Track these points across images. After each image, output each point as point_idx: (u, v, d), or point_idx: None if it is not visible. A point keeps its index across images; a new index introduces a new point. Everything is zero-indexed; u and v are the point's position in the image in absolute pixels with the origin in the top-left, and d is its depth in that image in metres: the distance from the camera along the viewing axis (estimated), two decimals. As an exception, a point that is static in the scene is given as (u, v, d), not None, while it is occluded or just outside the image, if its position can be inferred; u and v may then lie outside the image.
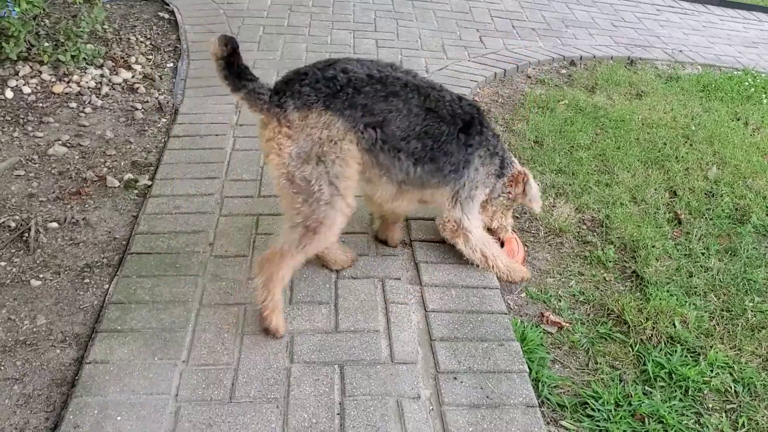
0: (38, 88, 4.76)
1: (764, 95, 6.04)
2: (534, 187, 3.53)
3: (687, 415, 2.91)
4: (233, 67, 2.73)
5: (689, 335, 3.28)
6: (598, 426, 2.81)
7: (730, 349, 3.26)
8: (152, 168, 4.12)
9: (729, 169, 4.73)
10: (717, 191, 4.47)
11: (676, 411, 2.91)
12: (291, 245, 2.92)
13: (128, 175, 3.99)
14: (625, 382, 3.04)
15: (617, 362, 3.16)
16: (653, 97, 5.72)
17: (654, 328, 3.31)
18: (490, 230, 3.65)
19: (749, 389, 3.05)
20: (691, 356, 3.20)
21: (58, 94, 4.74)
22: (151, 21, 6.11)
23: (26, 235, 3.46)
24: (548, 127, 4.95)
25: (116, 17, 6.05)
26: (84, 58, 5.03)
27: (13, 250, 3.38)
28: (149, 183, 3.94)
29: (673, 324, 3.34)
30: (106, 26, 5.66)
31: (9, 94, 4.61)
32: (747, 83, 6.24)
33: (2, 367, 2.78)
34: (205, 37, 5.84)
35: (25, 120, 4.42)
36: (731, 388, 3.05)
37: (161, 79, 5.18)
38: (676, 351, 3.20)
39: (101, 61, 5.16)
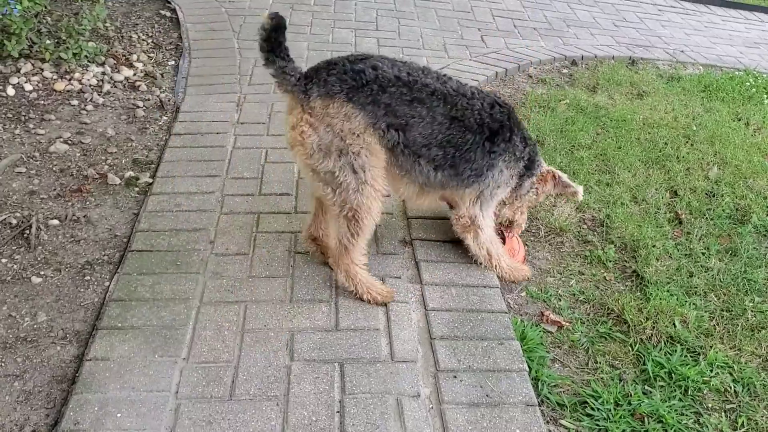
0: (40, 85, 4.77)
1: (765, 95, 6.04)
2: (564, 175, 3.57)
3: (686, 415, 2.91)
4: (273, 42, 2.80)
5: (689, 335, 3.28)
6: (597, 425, 2.81)
7: (730, 349, 3.26)
8: (153, 166, 4.12)
9: (730, 169, 4.73)
10: (718, 191, 4.47)
11: (675, 410, 2.91)
12: (346, 237, 3.06)
13: (129, 173, 4.00)
14: (624, 381, 3.04)
15: (617, 361, 3.16)
16: (654, 97, 5.72)
17: (654, 327, 3.31)
18: (510, 223, 3.69)
19: (749, 389, 3.05)
20: (690, 356, 3.20)
21: (59, 91, 4.74)
22: (153, 19, 6.12)
23: (27, 232, 3.47)
24: (549, 127, 4.96)
25: (118, 15, 6.05)
26: (86, 56, 5.04)
27: (14, 247, 3.39)
28: (150, 181, 3.95)
29: (673, 324, 3.34)
30: (107, 24, 5.66)
31: (11, 91, 4.62)
32: (748, 83, 6.24)
33: (3, 364, 2.78)
34: (207, 36, 5.86)
35: (27, 117, 4.42)
36: (731, 387, 3.05)
37: (163, 77, 5.18)
38: (675, 351, 3.20)
39: (103, 58, 5.17)
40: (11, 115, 4.42)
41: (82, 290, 3.19)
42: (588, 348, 3.22)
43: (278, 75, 2.87)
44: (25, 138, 4.23)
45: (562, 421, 2.83)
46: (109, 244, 3.48)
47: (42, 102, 4.61)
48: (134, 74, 5.12)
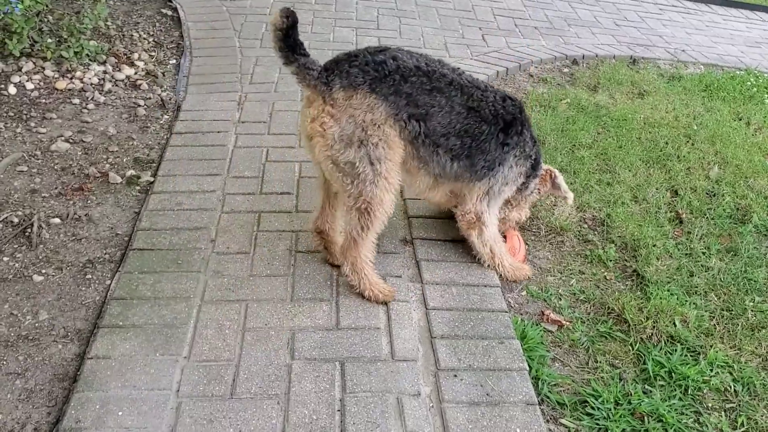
0: (41, 84, 4.77)
1: (766, 95, 6.04)
2: (563, 179, 3.65)
3: (686, 414, 2.91)
4: (289, 40, 2.83)
5: (689, 334, 3.29)
6: (597, 424, 2.82)
7: (730, 348, 3.27)
8: (154, 164, 4.13)
9: (730, 168, 4.73)
10: (718, 191, 4.47)
11: (675, 410, 2.91)
12: (356, 230, 3.08)
13: (130, 172, 4.01)
14: (624, 380, 3.05)
15: (617, 361, 3.16)
16: (655, 97, 5.72)
17: (654, 327, 3.32)
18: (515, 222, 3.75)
19: (749, 389, 3.06)
20: (691, 355, 3.21)
21: (61, 90, 4.75)
22: (154, 18, 6.12)
23: (29, 230, 3.47)
24: (550, 126, 4.96)
25: (119, 14, 6.05)
26: (87, 55, 5.04)
27: (15, 246, 3.40)
28: (151, 179, 3.95)
29: (674, 323, 3.34)
30: (109, 23, 5.67)
31: (12, 90, 4.62)
32: (749, 83, 6.24)
33: (5, 362, 2.79)
34: (208, 34, 5.86)
35: (28, 116, 4.43)
36: (731, 387, 3.05)
37: (164, 75, 5.19)
38: (676, 350, 3.20)
39: (104, 57, 5.18)
40: (13, 114, 4.43)
41: (83, 289, 3.20)
42: (588, 347, 3.22)
43: (300, 72, 2.91)
44: (27, 137, 4.23)
45: (562, 420, 2.83)
46: (110, 243, 3.49)
47: (43, 100, 4.62)
48: (135, 73, 5.12)
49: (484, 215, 3.39)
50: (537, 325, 3.29)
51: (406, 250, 3.64)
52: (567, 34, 6.99)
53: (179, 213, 3.69)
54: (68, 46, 4.96)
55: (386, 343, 3.02)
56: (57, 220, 3.58)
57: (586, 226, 4.03)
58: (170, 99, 4.85)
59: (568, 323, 3.34)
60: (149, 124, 4.54)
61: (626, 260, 3.80)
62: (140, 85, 4.97)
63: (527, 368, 2.98)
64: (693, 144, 5.02)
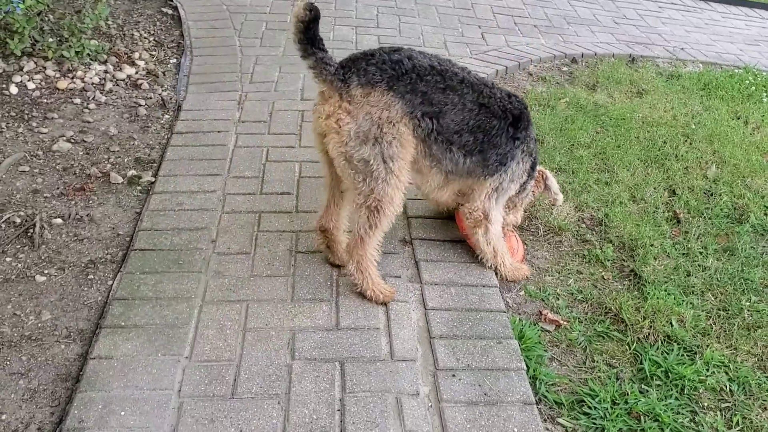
0: (43, 83, 4.80)
1: (765, 94, 6.06)
2: (553, 180, 3.70)
3: (682, 414, 2.95)
4: (309, 33, 2.85)
5: (686, 334, 3.32)
6: (594, 424, 2.85)
7: (726, 348, 3.30)
8: (155, 164, 4.15)
9: (728, 168, 4.75)
10: (716, 190, 4.50)
11: (671, 409, 2.94)
12: (364, 228, 3.11)
13: (132, 172, 4.03)
14: (621, 380, 3.08)
15: (614, 360, 3.19)
16: (654, 96, 5.75)
17: (651, 326, 3.35)
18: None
19: (744, 388, 3.09)
20: (687, 355, 3.24)
21: (62, 89, 4.77)
22: (155, 17, 6.14)
23: (31, 231, 3.50)
24: (549, 125, 4.98)
25: (120, 13, 6.07)
26: (88, 54, 5.06)
27: (18, 246, 3.43)
28: (152, 179, 3.98)
29: (670, 323, 3.38)
30: (109, 22, 5.69)
31: (13, 89, 4.65)
32: (748, 81, 6.26)
33: (8, 362, 2.82)
34: (208, 33, 5.88)
35: (30, 116, 4.45)
36: (726, 386, 3.08)
37: (164, 75, 5.21)
38: (672, 350, 3.23)
39: (105, 56, 5.20)
40: (14, 114, 4.45)
41: (85, 289, 3.23)
42: (586, 347, 3.26)
43: (317, 66, 2.93)
44: (29, 136, 4.26)
45: (560, 420, 2.87)
46: (112, 243, 3.51)
47: (45, 100, 4.64)
48: (136, 72, 5.15)
49: (492, 213, 3.42)
50: (535, 324, 3.33)
51: (406, 250, 3.67)
52: (566, 32, 7.01)
53: (180, 213, 3.71)
54: (69, 45, 4.98)
55: (385, 343, 3.05)
56: (59, 221, 3.60)
57: (584, 225, 4.05)
58: (171, 98, 4.88)
59: (565, 323, 3.37)
60: (150, 124, 4.56)
61: (624, 260, 3.83)
62: (141, 84, 5.00)
63: (525, 368, 3.01)
64: (691, 143, 5.05)
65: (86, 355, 2.87)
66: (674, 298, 3.53)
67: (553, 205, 3.95)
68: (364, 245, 3.17)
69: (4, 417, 2.60)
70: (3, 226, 3.52)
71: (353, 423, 2.67)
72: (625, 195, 4.32)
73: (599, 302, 3.52)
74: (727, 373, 3.15)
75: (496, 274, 3.57)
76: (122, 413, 2.61)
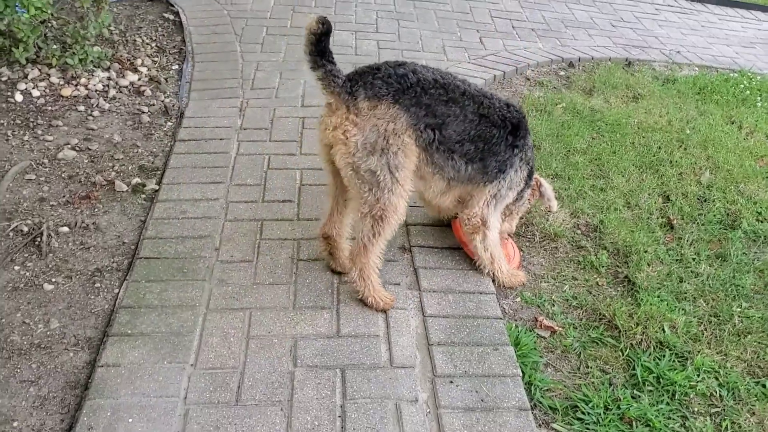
0: (47, 91, 4.87)
1: (759, 98, 6.14)
2: (548, 187, 3.78)
3: (673, 419, 3.04)
4: (321, 45, 2.94)
5: (678, 340, 3.41)
6: (587, 429, 2.94)
7: (717, 353, 3.38)
8: (159, 172, 4.23)
9: (722, 173, 4.84)
10: (709, 196, 4.58)
11: (663, 414, 3.03)
12: (367, 236, 3.20)
13: (136, 180, 4.11)
14: (614, 385, 3.17)
15: (608, 366, 3.28)
16: (649, 100, 5.83)
17: (644, 333, 3.44)
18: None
19: (733, 393, 3.18)
20: (678, 361, 3.32)
21: (66, 97, 4.85)
22: (156, 22, 6.21)
23: (38, 239, 3.58)
24: (545, 131, 5.06)
25: (122, 18, 6.14)
26: (91, 61, 5.13)
27: (26, 254, 3.51)
28: (156, 187, 4.06)
29: (663, 329, 3.46)
30: (112, 27, 5.76)
31: (19, 97, 4.72)
32: (743, 85, 6.33)
33: (18, 370, 2.91)
34: (210, 39, 5.95)
35: (35, 123, 4.53)
36: (716, 392, 3.17)
37: (167, 81, 5.28)
38: (664, 356, 3.32)
39: (108, 63, 5.27)
40: (20, 122, 4.53)
41: (92, 297, 3.31)
42: (580, 353, 3.34)
43: (326, 78, 3.02)
44: (34, 144, 4.34)
45: (554, 425, 2.95)
46: (117, 251, 3.60)
47: (49, 108, 4.72)
48: (139, 79, 5.22)
49: (490, 219, 3.51)
50: (531, 331, 3.41)
51: (405, 257, 3.75)
52: (564, 35, 7.08)
53: (184, 221, 3.79)
54: (73, 53, 5.05)
55: (385, 350, 3.14)
56: (65, 229, 3.68)
57: (579, 232, 4.14)
58: (173, 105, 4.95)
59: (560, 329, 3.45)
60: (153, 131, 4.64)
61: (618, 266, 3.91)
62: (144, 91, 5.07)
63: (520, 374, 3.10)
64: (685, 149, 5.13)
65: (94, 362, 2.96)
66: (667, 305, 3.61)
67: (548, 211, 4.04)
68: (367, 253, 3.26)
69: (15, 424, 2.69)
70: (11, 234, 3.60)
71: (354, 429, 2.75)
72: (620, 201, 4.40)
73: (594, 308, 3.60)
74: (717, 379, 3.24)
75: (494, 280, 3.65)
76: (130, 420, 2.70)
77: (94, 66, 5.18)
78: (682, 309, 3.62)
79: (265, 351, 3.07)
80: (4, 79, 4.88)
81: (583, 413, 3.01)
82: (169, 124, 4.75)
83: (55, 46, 5.10)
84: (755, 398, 3.16)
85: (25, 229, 3.64)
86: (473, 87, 3.29)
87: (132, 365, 2.93)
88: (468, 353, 3.17)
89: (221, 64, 5.57)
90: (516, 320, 3.50)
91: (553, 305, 3.61)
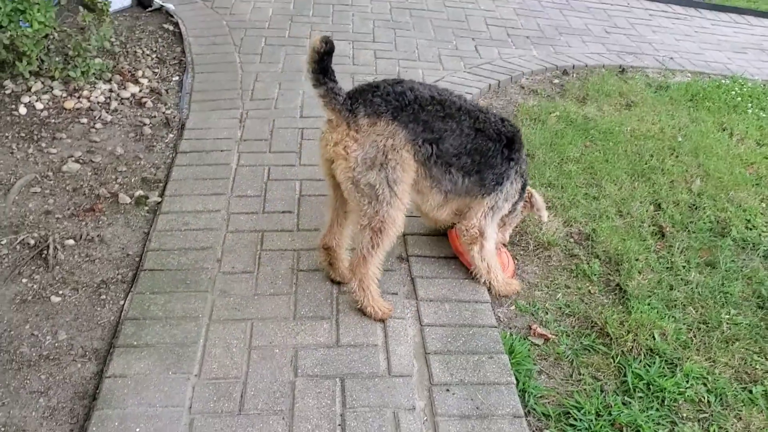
0: (50, 103, 4.96)
1: (750, 104, 6.25)
2: (538, 198, 3.88)
3: (663, 425, 3.14)
4: (323, 64, 3.04)
5: (667, 347, 3.51)
6: (579, 435, 3.05)
7: (705, 360, 3.48)
8: (161, 184, 4.33)
9: (712, 181, 4.94)
10: (700, 204, 4.68)
11: (652, 420, 3.13)
12: (367, 248, 3.31)
13: (139, 192, 4.20)
14: (606, 392, 3.27)
15: (599, 373, 3.38)
16: (642, 108, 5.93)
17: (635, 340, 3.54)
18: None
19: (721, 399, 3.28)
20: (668, 367, 3.43)
21: (69, 109, 4.94)
22: (156, 33, 6.30)
23: (45, 252, 3.68)
24: (539, 140, 5.16)
25: (122, 29, 6.23)
26: (93, 73, 5.22)
27: (33, 267, 3.60)
28: (159, 199, 4.15)
29: (653, 336, 3.56)
30: (113, 39, 5.85)
31: (23, 110, 4.82)
32: (734, 92, 6.43)
33: (28, 381, 3.00)
34: (209, 50, 6.04)
35: (39, 136, 4.62)
36: (705, 398, 3.27)
37: (167, 93, 5.38)
38: (654, 363, 3.42)
39: (109, 75, 5.36)
40: (24, 134, 4.62)
41: (98, 309, 3.40)
42: (572, 360, 3.44)
43: (327, 95, 3.12)
44: (38, 157, 4.43)
45: (547, 431, 3.05)
46: (122, 263, 3.69)
47: (53, 120, 4.81)
48: (140, 90, 5.31)
49: (487, 230, 3.63)
50: (525, 339, 3.51)
51: (402, 267, 3.85)
52: (558, 43, 7.18)
53: (186, 233, 3.89)
54: (75, 65, 5.14)
55: (383, 359, 3.23)
56: (71, 242, 3.78)
57: (572, 240, 4.24)
58: (174, 117, 5.04)
59: (553, 337, 3.55)
60: (155, 143, 4.73)
61: (610, 274, 4.01)
62: (145, 103, 5.17)
63: (515, 382, 3.20)
64: (677, 156, 5.23)
65: (102, 373, 3.05)
66: (657, 312, 3.72)
67: (539, 222, 4.14)
68: (366, 264, 3.36)
69: (26, 434, 2.79)
70: (18, 247, 3.70)
71: (353, 437, 2.86)
72: (612, 210, 4.50)
73: (586, 316, 3.70)
74: (705, 385, 3.34)
75: (489, 289, 3.75)
76: (137, 430, 2.80)
77: (96, 78, 5.27)
78: (672, 316, 3.72)
79: (266, 361, 3.16)
80: (8, 92, 4.98)
81: (575, 420, 3.10)
82: (171, 135, 4.84)
83: (57, 59, 5.19)
84: (742, 404, 3.26)
85: (32, 242, 3.74)
86: (469, 103, 3.41)
87: (138, 376, 3.03)
88: (464, 362, 3.27)
89: (221, 75, 5.66)
90: (510, 328, 3.60)
91: (547, 313, 3.71)
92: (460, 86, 5.82)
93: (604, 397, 3.24)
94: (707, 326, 3.69)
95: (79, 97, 5.07)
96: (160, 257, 3.71)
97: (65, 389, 2.99)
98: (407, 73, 5.99)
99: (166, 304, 3.41)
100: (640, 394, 3.27)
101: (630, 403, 3.22)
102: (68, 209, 4.03)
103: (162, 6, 6.71)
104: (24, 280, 3.51)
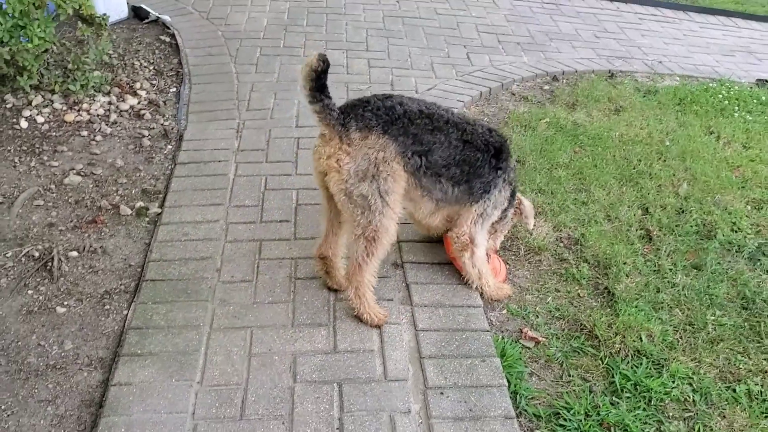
0: (51, 117, 5.07)
1: (737, 107, 6.37)
2: (527, 205, 4.01)
3: (649, 423, 3.25)
4: (320, 82, 3.15)
5: (654, 348, 3.62)
6: (569, 434, 3.16)
7: (691, 361, 3.60)
8: (161, 195, 4.43)
9: (699, 185, 5.06)
10: (687, 207, 4.80)
11: (639, 419, 3.25)
12: (361, 256, 3.42)
13: (139, 203, 4.31)
14: (594, 393, 3.38)
15: (588, 374, 3.50)
16: (631, 113, 6.05)
17: (622, 342, 3.65)
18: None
19: (706, 398, 3.40)
20: (655, 368, 3.54)
21: (69, 122, 5.05)
22: (153, 45, 6.41)
23: (50, 264, 3.78)
24: (530, 146, 5.28)
25: (119, 41, 6.34)
26: (92, 86, 5.33)
27: (38, 279, 3.71)
28: (159, 210, 4.26)
29: (640, 338, 3.68)
30: (110, 51, 5.95)
31: (24, 124, 4.92)
32: (721, 95, 6.56)
33: (36, 390, 3.11)
34: (205, 61, 6.16)
35: (41, 149, 4.73)
36: (690, 397, 3.39)
37: (165, 104, 5.48)
38: (641, 363, 3.54)
39: (108, 88, 5.47)
40: (26, 148, 4.73)
41: (102, 319, 3.51)
42: (562, 362, 3.56)
43: (322, 111, 3.24)
44: (41, 170, 4.54)
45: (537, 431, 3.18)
46: (124, 274, 3.80)
47: (54, 134, 4.92)
48: (138, 102, 5.42)
49: (477, 237, 3.75)
50: (516, 342, 3.63)
51: (397, 273, 3.97)
52: (548, 48, 7.30)
53: (186, 243, 4.00)
54: (74, 78, 5.25)
55: (379, 364, 3.35)
56: (75, 253, 3.89)
57: (561, 245, 4.36)
58: (172, 128, 5.15)
59: (544, 339, 3.67)
60: (154, 155, 4.84)
61: (598, 278, 4.13)
62: (143, 114, 5.28)
63: (506, 384, 3.31)
64: (664, 161, 5.35)
65: (107, 381, 3.16)
66: (644, 314, 3.83)
67: (527, 229, 4.25)
68: (362, 272, 3.48)
69: (36, 442, 2.89)
70: (23, 260, 3.80)
71: (351, 440, 2.97)
72: (601, 214, 4.62)
73: (575, 319, 3.82)
74: (690, 385, 3.46)
75: (481, 294, 3.87)
76: (143, 436, 2.91)
77: (95, 91, 5.38)
78: (659, 318, 3.84)
79: (266, 368, 3.27)
80: (9, 106, 5.09)
81: (565, 420, 3.22)
82: (169, 147, 4.95)
83: (57, 72, 5.30)
84: (726, 402, 3.38)
85: (37, 254, 3.84)
86: (456, 115, 3.54)
87: (143, 383, 3.14)
88: (457, 365, 3.38)
89: (217, 86, 5.77)
90: (502, 332, 3.71)
91: (537, 317, 3.82)
92: (453, 94, 5.94)
93: (593, 397, 3.35)
94: (693, 327, 3.81)
95: (78, 110, 5.18)
96: (162, 267, 3.81)
97: (72, 397, 3.10)
98: (400, 81, 6.10)
99: (168, 314, 3.52)
100: (628, 395, 3.38)
101: (618, 403, 3.33)
102: (71, 221, 4.13)
103: (158, 18, 6.83)
104: (30, 292, 3.62)
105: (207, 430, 2.96)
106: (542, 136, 5.48)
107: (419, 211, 3.68)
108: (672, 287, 4.09)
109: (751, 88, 6.92)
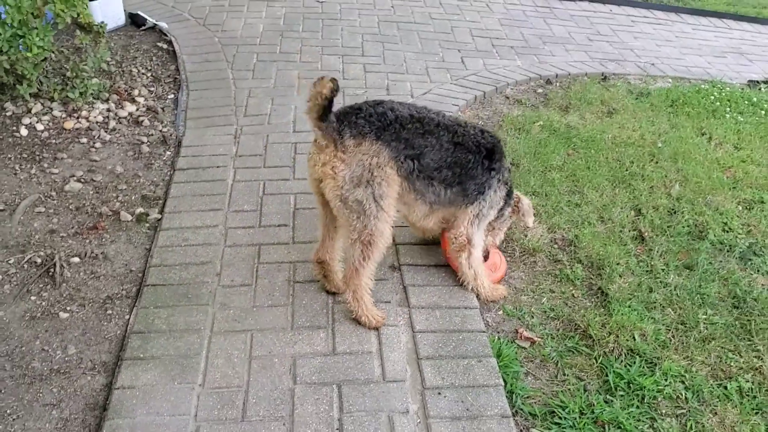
0: (50, 124, 5.13)
1: (728, 108, 6.45)
2: (525, 203, 4.08)
3: (643, 421, 3.32)
4: (328, 108, 3.21)
5: (647, 347, 3.69)
6: (564, 432, 3.23)
7: (683, 359, 3.67)
8: (161, 201, 4.49)
9: (690, 186, 5.13)
10: (679, 208, 4.88)
11: (633, 417, 3.32)
12: (358, 260, 3.49)
13: (139, 209, 4.37)
14: (589, 392, 3.45)
15: (582, 373, 3.57)
16: (623, 115, 6.12)
17: (616, 341, 3.72)
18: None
19: (698, 396, 3.47)
20: (648, 367, 3.61)
21: (69, 129, 5.11)
22: (151, 51, 6.47)
23: (52, 270, 3.84)
24: (524, 149, 5.35)
25: (117, 48, 6.40)
26: (91, 93, 5.39)
27: (41, 285, 3.77)
28: (159, 216, 4.32)
29: (633, 337, 3.75)
30: (108, 59, 6.01)
31: (24, 131, 4.98)
32: (713, 97, 6.63)
33: (41, 395, 3.17)
34: (202, 67, 6.22)
35: (41, 157, 4.79)
36: (682, 395, 3.46)
37: (163, 110, 5.54)
38: (635, 362, 3.61)
39: (107, 95, 5.53)
40: (26, 155, 4.79)
41: (105, 323, 3.57)
42: (557, 361, 3.62)
43: (327, 127, 3.29)
44: (41, 178, 4.59)
45: (533, 430, 3.23)
46: (126, 279, 3.86)
47: (53, 141, 4.98)
48: (137, 109, 5.48)
49: (474, 238, 3.82)
50: (512, 342, 3.69)
51: (395, 276, 4.03)
52: (542, 52, 7.37)
53: (186, 248, 4.06)
54: (73, 86, 5.31)
55: (378, 365, 3.41)
56: (76, 259, 3.94)
57: (556, 246, 4.43)
58: (171, 134, 5.21)
59: (539, 339, 3.74)
60: (153, 161, 4.90)
61: (592, 278, 4.20)
62: (142, 121, 5.33)
63: (503, 384, 3.38)
64: (657, 162, 5.43)
65: (111, 385, 3.22)
66: (637, 314, 3.90)
67: (525, 227, 4.33)
68: (359, 275, 3.54)
69: (42, 445, 2.95)
70: (26, 266, 3.86)
71: (351, 440, 3.03)
72: (594, 216, 4.69)
73: (570, 319, 3.89)
74: (683, 383, 3.53)
75: (477, 296, 3.93)
76: (147, 438, 2.97)
77: (94, 98, 5.44)
78: (652, 318, 3.91)
79: (266, 370, 3.34)
80: (9, 114, 5.15)
81: (560, 418, 3.29)
82: (168, 153, 5.01)
83: (56, 80, 5.36)
84: (717, 400, 3.45)
85: (39, 260, 3.90)
86: (447, 118, 3.61)
87: (145, 387, 3.20)
88: (454, 366, 3.45)
89: (215, 92, 5.84)
90: (498, 332, 3.78)
91: (533, 317, 3.89)
92: (447, 98, 6.02)
93: (587, 396, 3.42)
94: (685, 326, 3.88)
95: (78, 118, 5.24)
96: (162, 272, 3.87)
97: (76, 401, 3.16)
98: (396, 86, 6.17)
99: (169, 318, 3.58)
100: (622, 393, 3.45)
101: (612, 401, 3.40)
102: (72, 228, 4.19)
103: (155, 24, 6.89)
104: (33, 298, 3.68)
105: (209, 432, 3.02)
106: (536, 138, 5.55)
107: (413, 214, 3.75)
108: (664, 287, 4.16)
109: (742, 89, 7.00)
